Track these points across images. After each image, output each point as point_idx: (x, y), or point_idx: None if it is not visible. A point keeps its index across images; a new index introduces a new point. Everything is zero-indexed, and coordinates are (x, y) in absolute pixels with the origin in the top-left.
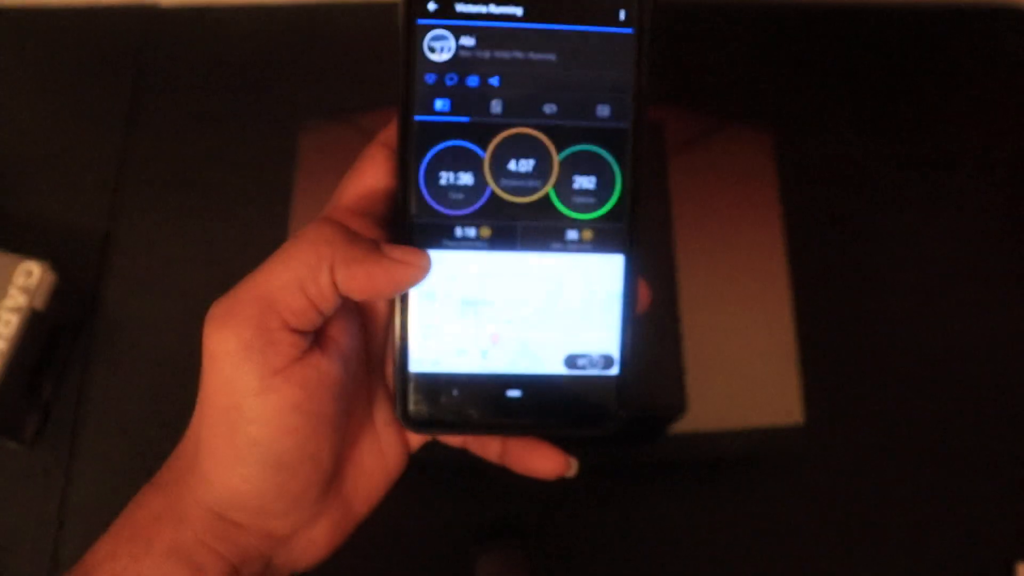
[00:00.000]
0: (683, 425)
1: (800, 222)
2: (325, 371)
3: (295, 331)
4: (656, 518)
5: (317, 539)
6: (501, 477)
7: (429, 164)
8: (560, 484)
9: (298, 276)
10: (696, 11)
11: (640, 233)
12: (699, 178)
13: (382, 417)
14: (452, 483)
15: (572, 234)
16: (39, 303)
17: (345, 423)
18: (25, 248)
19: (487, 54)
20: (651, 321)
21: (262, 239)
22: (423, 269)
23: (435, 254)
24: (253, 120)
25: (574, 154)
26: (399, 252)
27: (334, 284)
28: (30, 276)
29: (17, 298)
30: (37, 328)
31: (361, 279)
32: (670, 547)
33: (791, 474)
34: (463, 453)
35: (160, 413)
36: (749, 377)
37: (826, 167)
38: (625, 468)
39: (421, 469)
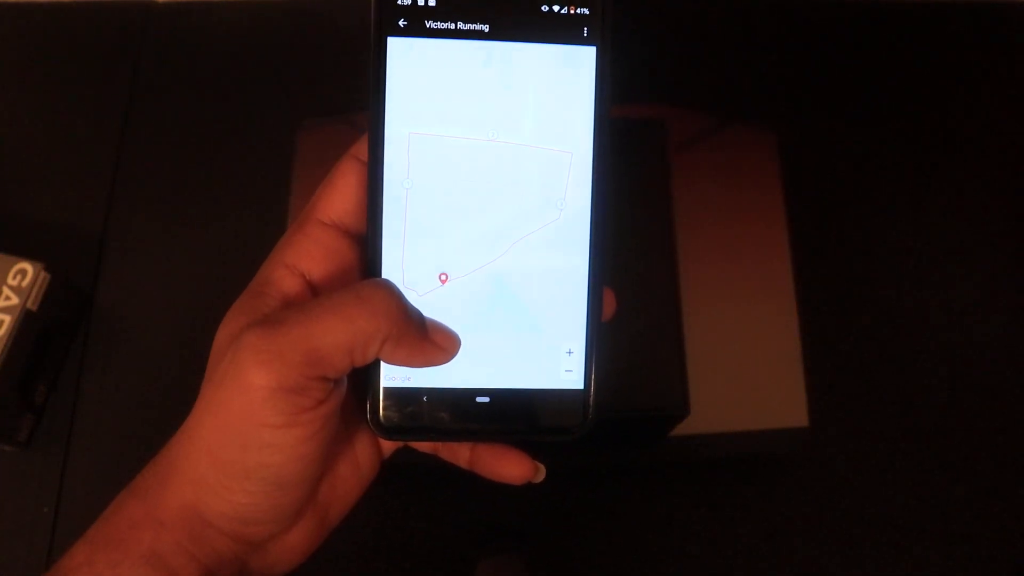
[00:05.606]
0: (687, 427)
1: (805, 222)
2: (336, 403)
3: (329, 379)
4: (659, 520)
5: (292, 545)
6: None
7: None
8: (561, 486)
9: (351, 341)
10: (699, 10)
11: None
12: (702, 178)
13: (355, 424)
14: (452, 488)
15: None
16: (33, 304)
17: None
18: (19, 248)
19: None
20: (653, 322)
21: (259, 240)
22: (453, 355)
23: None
24: (250, 119)
25: None
26: (440, 336)
27: (379, 351)
28: (24, 276)
29: (11, 298)
30: (31, 329)
31: (402, 356)
32: (673, 549)
33: (796, 476)
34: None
35: (155, 415)
36: (754, 379)
37: (831, 166)
38: (628, 470)
39: (420, 475)
